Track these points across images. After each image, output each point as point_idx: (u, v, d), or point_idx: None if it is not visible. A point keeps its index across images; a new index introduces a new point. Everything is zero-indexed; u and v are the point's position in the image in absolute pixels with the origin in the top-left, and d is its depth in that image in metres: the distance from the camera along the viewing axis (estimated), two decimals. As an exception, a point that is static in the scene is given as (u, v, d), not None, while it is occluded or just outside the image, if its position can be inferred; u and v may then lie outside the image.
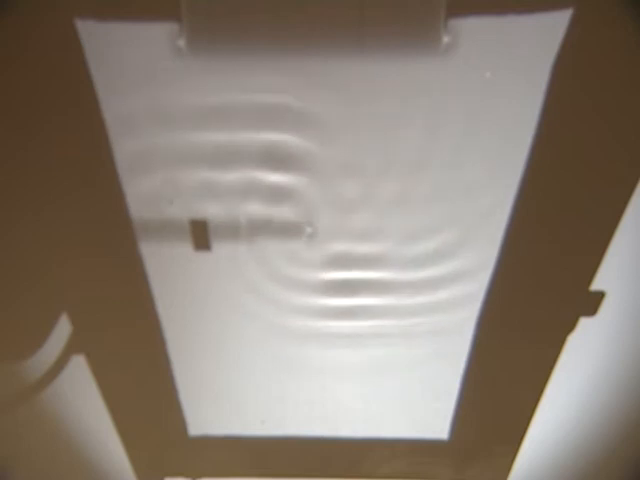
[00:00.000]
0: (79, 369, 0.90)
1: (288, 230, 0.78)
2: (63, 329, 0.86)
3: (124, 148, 0.72)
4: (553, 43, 0.65)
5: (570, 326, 0.85)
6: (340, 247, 0.80)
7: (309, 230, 0.78)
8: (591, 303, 0.83)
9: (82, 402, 0.94)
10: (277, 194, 0.76)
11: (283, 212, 0.77)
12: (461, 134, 0.71)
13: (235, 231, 0.78)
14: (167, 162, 0.74)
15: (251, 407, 0.98)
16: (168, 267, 0.82)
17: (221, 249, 0.80)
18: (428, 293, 0.84)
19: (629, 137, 0.71)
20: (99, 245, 0.80)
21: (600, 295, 0.82)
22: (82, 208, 0.76)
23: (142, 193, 0.76)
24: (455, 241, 0.79)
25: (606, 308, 0.83)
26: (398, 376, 0.93)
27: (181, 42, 0.66)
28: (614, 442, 0.96)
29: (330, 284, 0.83)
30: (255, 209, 0.77)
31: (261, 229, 0.78)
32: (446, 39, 0.65)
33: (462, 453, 1.02)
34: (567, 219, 0.77)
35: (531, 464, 1.01)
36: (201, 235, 0.79)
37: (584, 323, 0.85)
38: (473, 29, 0.64)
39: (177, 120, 0.71)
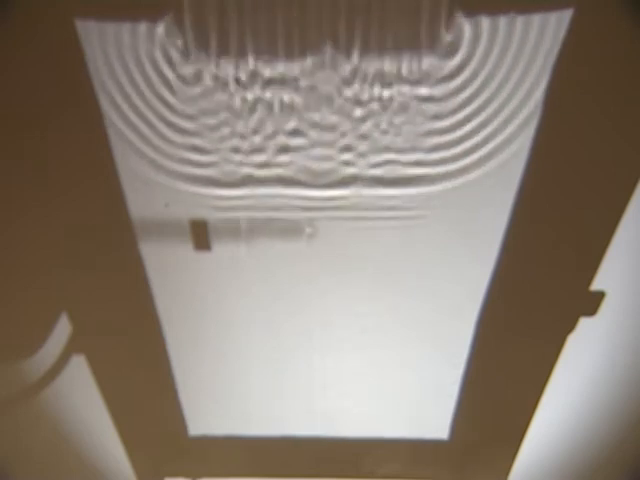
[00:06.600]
0: (79, 369, 0.90)
1: (288, 230, 0.78)
2: (63, 329, 0.87)
3: (124, 148, 0.73)
4: (553, 43, 0.65)
5: (570, 326, 0.86)
6: (340, 247, 0.80)
7: (309, 230, 0.78)
8: (591, 303, 0.83)
9: (82, 402, 0.94)
10: (278, 193, 0.76)
11: (283, 212, 0.77)
12: (460, 132, 0.71)
13: (235, 231, 0.78)
14: (167, 162, 0.74)
15: (251, 407, 0.98)
16: (168, 267, 0.82)
17: (221, 249, 0.80)
18: (428, 293, 0.84)
19: (629, 137, 0.71)
20: (99, 245, 0.80)
21: (600, 295, 0.82)
22: (82, 208, 0.76)
23: (142, 193, 0.76)
24: (454, 241, 0.79)
25: (606, 308, 0.83)
26: (398, 376, 0.93)
27: (181, 42, 0.66)
28: (614, 442, 0.96)
29: (330, 284, 0.83)
30: (255, 209, 0.77)
31: (261, 229, 0.78)
32: (446, 39, 0.65)
33: (462, 453, 1.02)
34: (567, 219, 0.77)
35: (531, 464, 1.01)
36: (201, 235, 0.79)
37: (584, 323, 0.85)
38: (473, 29, 0.64)
39: (177, 119, 0.71)
